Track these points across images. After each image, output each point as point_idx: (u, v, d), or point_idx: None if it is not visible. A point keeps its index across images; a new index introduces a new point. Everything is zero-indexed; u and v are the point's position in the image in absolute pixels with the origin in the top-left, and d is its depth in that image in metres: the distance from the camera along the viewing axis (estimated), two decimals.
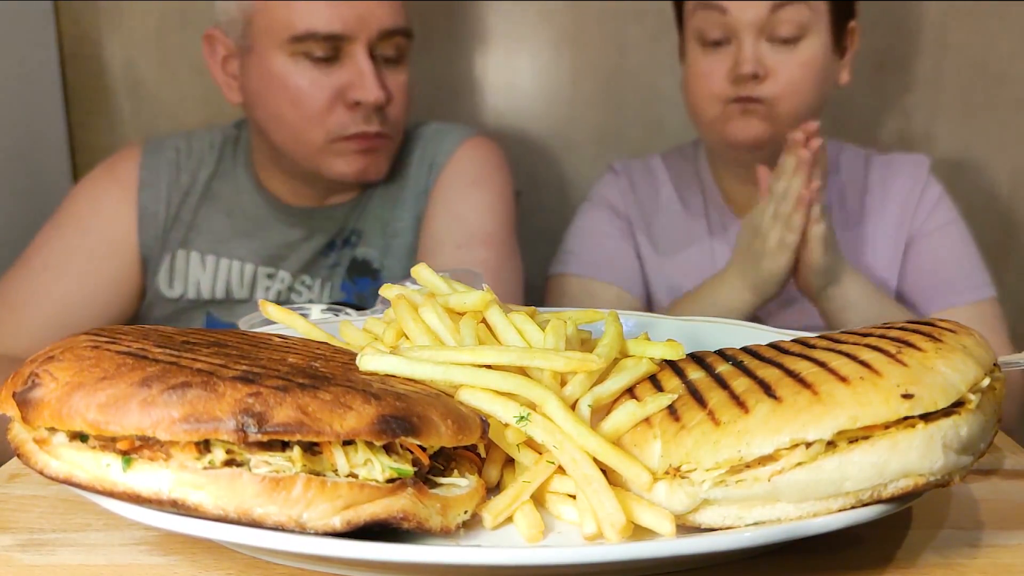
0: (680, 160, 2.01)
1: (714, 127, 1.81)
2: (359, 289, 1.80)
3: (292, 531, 0.62)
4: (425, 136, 1.82)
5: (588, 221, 1.98)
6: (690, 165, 1.99)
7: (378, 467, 0.65)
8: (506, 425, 0.74)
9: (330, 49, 1.61)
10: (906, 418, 0.63)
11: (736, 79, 1.70)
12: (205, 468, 0.62)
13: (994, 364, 0.71)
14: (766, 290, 1.65)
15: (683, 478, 0.67)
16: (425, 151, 1.81)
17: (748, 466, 0.65)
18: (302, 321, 0.94)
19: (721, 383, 0.74)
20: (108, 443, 0.64)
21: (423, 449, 0.68)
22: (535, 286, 2.06)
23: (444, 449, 0.71)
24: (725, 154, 1.88)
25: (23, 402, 0.65)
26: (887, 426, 0.63)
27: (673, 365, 0.83)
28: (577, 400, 0.76)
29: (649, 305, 1.96)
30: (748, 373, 0.74)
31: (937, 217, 1.85)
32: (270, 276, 1.79)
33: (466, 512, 0.69)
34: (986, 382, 0.68)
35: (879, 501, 0.65)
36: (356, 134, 1.67)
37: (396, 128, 1.74)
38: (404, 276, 1.11)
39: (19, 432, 0.69)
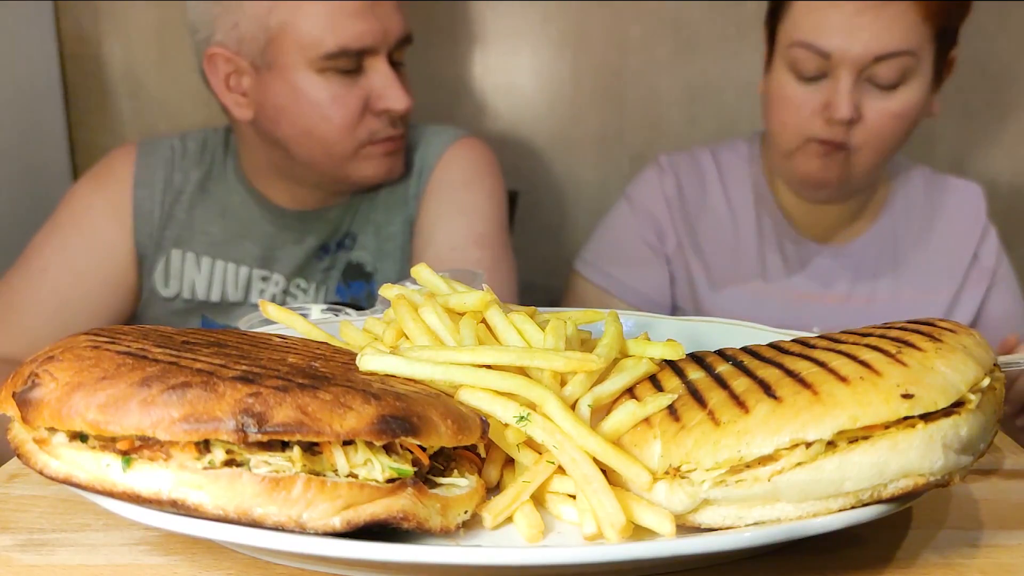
0: (732, 157, 1.90)
1: (789, 157, 1.73)
2: (353, 292, 1.80)
3: (292, 531, 0.62)
4: (415, 138, 1.83)
5: (619, 225, 1.91)
6: (743, 164, 1.89)
7: (378, 467, 0.65)
8: (506, 425, 0.74)
9: (355, 62, 1.64)
10: (906, 418, 0.63)
11: (829, 120, 1.62)
12: (205, 468, 0.62)
13: (994, 364, 0.71)
14: None
15: (683, 478, 0.67)
16: (416, 153, 1.82)
17: (748, 466, 0.65)
18: (302, 321, 0.94)
19: (721, 383, 0.74)
20: (108, 443, 0.64)
21: (423, 449, 0.68)
22: (535, 285, 2.06)
23: (444, 449, 0.71)
24: (787, 179, 1.81)
25: (23, 402, 0.65)
26: (887, 426, 0.63)
27: (673, 365, 0.83)
28: (577, 400, 0.76)
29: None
30: (748, 373, 0.74)
31: (1001, 271, 1.84)
32: (264, 279, 1.80)
33: (466, 512, 0.69)
34: (986, 382, 0.68)
35: (879, 501, 0.65)
36: (384, 138, 1.70)
37: (407, 127, 1.77)
38: (398, 279, 1.11)
39: (19, 432, 0.69)
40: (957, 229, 1.83)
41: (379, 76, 1.65)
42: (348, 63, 1.62)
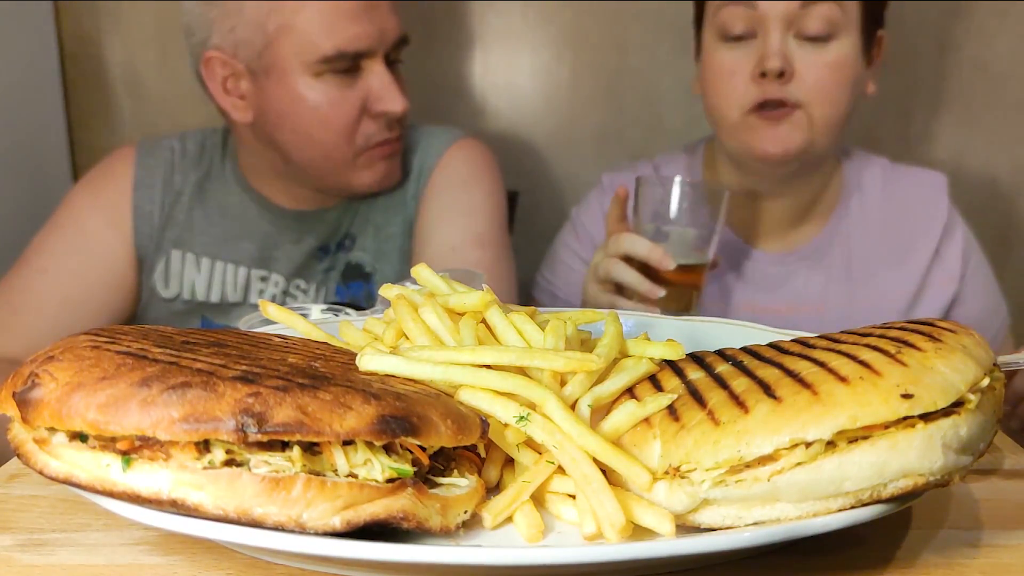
0: (673, 168, 1.87)
1: (737, 136, 1.65)
2: (352, 293, 1.80)
3: (292, 531, 0.62)
4: (414, 139, 1.83)
5: (560, 246, 1.93)
6: (683, 174, 1.83)
7: (378, 467, 0.65)
8: (506, 425, 0.74)
9: (352, 64, 1.63)
10: (906, 418, 0.63)
11: (761, 75, 1.57)
12: (205, 468, 0.62)
13: (993, 364, 0.71)
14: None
15: (683, 478, 0.67)
16: (415, 154, 1.82)
17: (748, 466, 0.65)
18: (302, 321, 0.94)
19: (721, 383, 0.74)
20: (108, 443, 0.64)
21: (423, 449, 0.68)
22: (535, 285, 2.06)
23: (444, 449, 0.71)
24: (750, 166, 1.72)
25: (23, 402, 0.65)
26: (887, 426, 0.63)
27: (673, 365, 0.83)
28: (577, 400, 0.76)
29: None
30: (748, 373, 0.74)
31: (970, 271, 1.77)
32: (263, 279, 1.80)
33: (466, 512, 0.69)
34: (986, 382, 0.68)
35: (879, 501, 0.65)
36: (381, 142, 1.70)
37: (404, 130, 1.77)
38: (397, 280, 1.11)
39: (19, 432, 0.69)
40: (916, 225, 1.76)
41: (376, 78, 1.65)
42: (345, 65, 1.62)
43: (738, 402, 0.69)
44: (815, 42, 1.57)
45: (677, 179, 1.52)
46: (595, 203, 1.90)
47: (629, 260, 1.50)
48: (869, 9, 1.63)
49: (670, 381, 0.79)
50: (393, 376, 0.74)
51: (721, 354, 0.83)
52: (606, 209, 1.78)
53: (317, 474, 0.63)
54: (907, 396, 0.63)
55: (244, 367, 0.66)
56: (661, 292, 1.48)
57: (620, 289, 1.53)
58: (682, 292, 1.53)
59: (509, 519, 0.71)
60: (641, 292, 1.49)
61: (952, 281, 1.77)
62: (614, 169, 1.95)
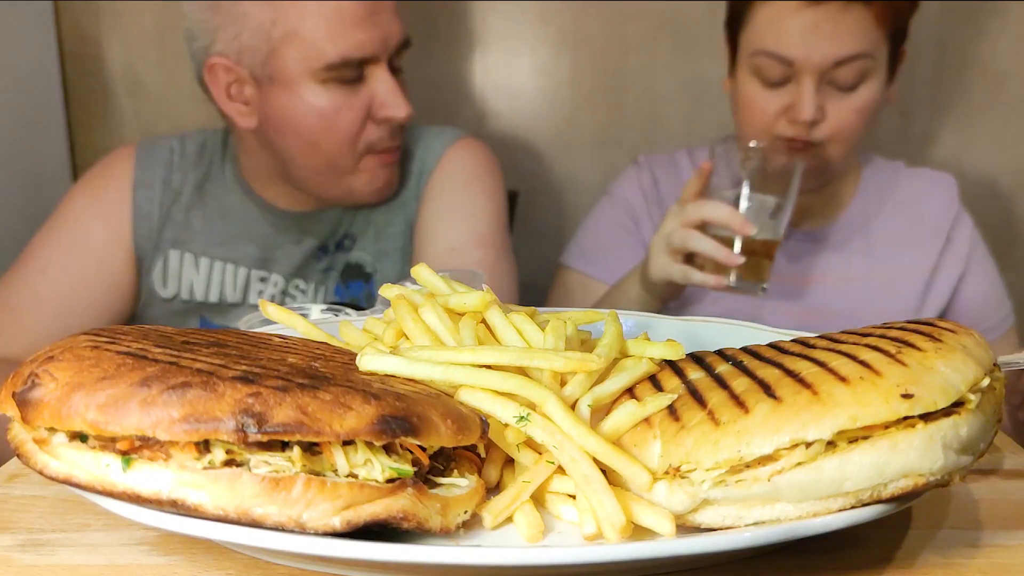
0: (707, 158, 1.98)
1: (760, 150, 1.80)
2: (352, 293, 1.80)
3: (292, 531, 0.62)
4: (414, 140, 1.83)
5: (598, 217, 1.98)
6: (719, 165, 1.96)
7: (378, 467, 0.65)
8: (506, 425, 0.74)
9: (357, 71, 1.63)
10: (906, 418, 0.63)
11: (793, 121, 1.68)
12: (205, 468, 0.62)
13: (994, 364, 0.71)
14: (652, 287, 1.66)
15: (683, 478, 0.67)
16: (415, 155, 1.82)
17: (748, 466, 0.65)
18: (302, 321, 0.94)
19: (721, 383, 0.74)
20: (108, 443, 0.64)
21: (423, 449, 0.68)
22: (535, 285, 2.06)
23: (444, 449, 0.71)
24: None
25: (23, 402, 0.65)
26: (887, 426, 0.63)
27: (673, 365, 0.83)
28: (577, 400, 0.76)
29: None
30: (748, 373, 0.74)
31: (975, 257, 1.88)
32: (263, 280, 1.80)
33: (466, 512, 0.69)
34: (986, 382, 0.68)
35: (879, 501, 0.65)
36: (382, 149, 1.70)
37: (403, 139, 1.78)
38: (397, 279, 1.12)
39: (19, 432, 0.69)
40: (930, 214, 1.89)
41: (380, 84, 1.65)
42: (350, 73, 1.62)
43: (738, 402, 0.68)
44: (845, 89, 1.67)
45: (753, 143, 1.60)
46: (633, 179, 1.97)
47: (703, 231, 1.55)
48: (895, 41, 1.71)
49: (670, 381, 0.79)
50: (393, 376, 0.74)
51: (721, 354, 0.83)
52: (644, 187, 1.91)
53: (317, 474, 0.63)
54: (907, 396, 0.63)
55: (244, 367, 0.66)
56: (741, 259, 1.53)
57: (691, 260, 1.58)
58: (758, 263, 1.57)
59: (509, 519, 0.71)
60: (719, 259, 1.53)
61: (960, 262, 1.87)
62: (647, 155, 2.03)
